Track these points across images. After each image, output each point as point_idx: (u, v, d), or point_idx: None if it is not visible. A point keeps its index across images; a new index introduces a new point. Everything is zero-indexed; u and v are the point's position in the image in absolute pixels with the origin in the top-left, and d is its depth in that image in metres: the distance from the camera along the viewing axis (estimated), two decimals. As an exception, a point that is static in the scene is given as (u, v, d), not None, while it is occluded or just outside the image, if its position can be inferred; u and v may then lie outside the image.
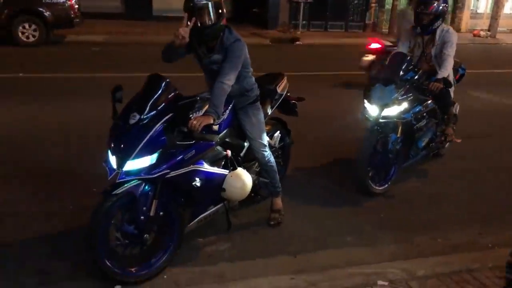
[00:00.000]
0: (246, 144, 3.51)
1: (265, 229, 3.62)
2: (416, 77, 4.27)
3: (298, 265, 3.20)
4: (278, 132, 3.95)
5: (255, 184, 3.55)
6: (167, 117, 2.76)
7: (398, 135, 4.26)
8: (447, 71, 4.35)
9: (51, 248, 3.22)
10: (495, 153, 5.62)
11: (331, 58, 11.92)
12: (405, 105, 4.15)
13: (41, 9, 10.62)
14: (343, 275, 3.08)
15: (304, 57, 12.03)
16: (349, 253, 3.41)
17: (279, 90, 3.82)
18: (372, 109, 4.15)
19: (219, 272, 3.07)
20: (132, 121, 2.71)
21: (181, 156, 2.85)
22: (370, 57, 8.29)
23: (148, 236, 2.86)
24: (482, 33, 18.21)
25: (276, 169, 3.62)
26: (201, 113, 2.92)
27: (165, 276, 2.98)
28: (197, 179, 2.95)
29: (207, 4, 2.95)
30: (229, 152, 3.27)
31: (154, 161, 2.74)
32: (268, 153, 3.50)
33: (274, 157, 3.64)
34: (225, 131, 3.25)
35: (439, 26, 4.49)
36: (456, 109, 5.13)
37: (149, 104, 2.75)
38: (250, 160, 3.62)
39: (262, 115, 3.47)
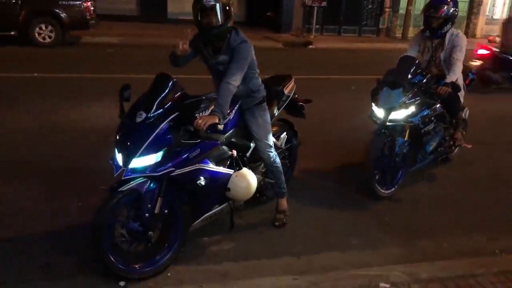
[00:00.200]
0: (252, 144, 3.53)
1: (270, 230, 3.63)
2: (424, 80, 4.26)
3: (302, 266, 3.21)
4: (285, 133, 3.97)
5: (260, 185, 3.58)
6: (173, 116, 2.79)
7: (405, 139, 4.25)
8: (455, 75, 4.34)
9: (57, 244, 3.25)
10: (504, 160, 5.56)
11: (343, 63, 11.88)
12: (412, 108, 4.14)
13: (57, 10, 10.75)
14: (346, 276, 3.09)
15: (316, 61, 12.00)
16: (353, 255, 3.40)
17: (286, 91, 3.84)
18: (379, 112, 4.15)
19: (223, 271, 3.09)
20: (138, 119, 2.76)
21: (186, 155, 2.88)
22: (478, 63, 8.60)
23: (153, 233, 2.90)
24: (497, 39, 17.96)
25: (282, 170, 3.63)
26: (207, 112, 2.95)
27: (169, 274, 3.01)
28: (202, 177, 2.97)
29: (215, 5, 2.99)
30: (234, 152, 3.29)
31: (159, 159, 2.77)
32: (273, 154, 3.52)
33: (280, 158, 3.67)
34: (231, 131, 3.28)
35: (449, 30, 4.48)
36: (466, 114, 5.10)
37: (156, 103, 2.79)
38: (256, 161, 3.63)
39: (268, 116, 3.50)
